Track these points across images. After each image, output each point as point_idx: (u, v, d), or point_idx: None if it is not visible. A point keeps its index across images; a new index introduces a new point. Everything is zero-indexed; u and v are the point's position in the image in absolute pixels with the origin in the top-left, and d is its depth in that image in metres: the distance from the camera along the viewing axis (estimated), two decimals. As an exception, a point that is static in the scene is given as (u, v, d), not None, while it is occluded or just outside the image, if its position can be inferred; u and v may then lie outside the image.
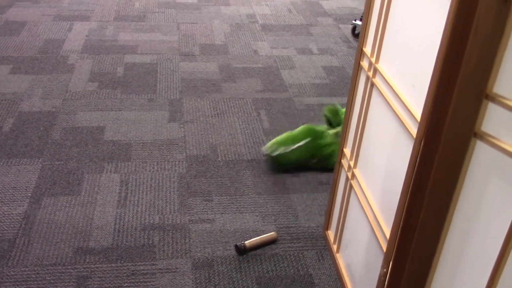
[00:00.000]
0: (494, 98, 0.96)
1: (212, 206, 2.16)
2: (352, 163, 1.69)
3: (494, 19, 0.90)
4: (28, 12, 3.95)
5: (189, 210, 2.12)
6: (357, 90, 1.65)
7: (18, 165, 2.32)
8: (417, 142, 1.14)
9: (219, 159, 2.44)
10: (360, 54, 1.59)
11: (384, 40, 1.43)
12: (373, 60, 1.50)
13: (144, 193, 2.20)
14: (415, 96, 1.23)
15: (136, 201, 2.15)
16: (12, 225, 2.00)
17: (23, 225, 2.00)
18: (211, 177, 2.32)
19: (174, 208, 2.13)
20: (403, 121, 1.28)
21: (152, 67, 3.24)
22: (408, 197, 1.19)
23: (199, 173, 2.34)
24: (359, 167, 1.65)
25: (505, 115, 0.95)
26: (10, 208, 2.07)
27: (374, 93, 1.51)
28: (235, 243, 1.97)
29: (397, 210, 1.26)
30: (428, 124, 1.08)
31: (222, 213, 2.13)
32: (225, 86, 3.08)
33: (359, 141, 1.63)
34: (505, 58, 0.94)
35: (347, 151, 1.75)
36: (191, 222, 2.07)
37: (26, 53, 3.32)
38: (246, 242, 1.96)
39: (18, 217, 2.03)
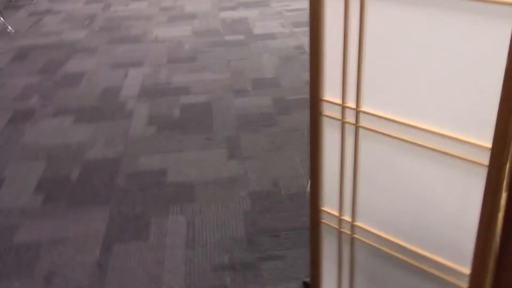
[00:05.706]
0: None
1: (280, 242, 2.13)
2: (348, 218, 1.50)
3: None
4: (85, 62, 4.11)
5: (257, 248, 2.10)
6: (322, 141, 1.43)
7: (87, 213, 2.38)
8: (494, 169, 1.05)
9: (282, 193, 2.42)
10: (318, 104, 1.36)
11: (363, 82, 1.25)
12: (352, 105, 1.30)
13: (211, 233, 2.20)
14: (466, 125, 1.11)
15: (204, 242, 2.15)
16: (86, 274, 2.03)
17: (97, 274, 2.03)
18: (276, 212, 2.30)
19: (242, 246, 2.12)
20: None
21: (206, 106, 3.28)
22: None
23: (264, 209, 2.33)
24: (362, 219, 1.46)
25: None
26: (83, 257, 2.12)
27: (369, 138, 1.31)
28: (303, 280, 1.92)
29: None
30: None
31: (291, 248, 2.09)
32: (280, 119, 3.08)
33: (353, 194, 1.44)
34: None
35: (329, 208, 1.58)
36: (260, 259, 2.04)
37: (86, 102, 3.45)
38: (318, 277, 1.91)
39: (91, 266, 2.07)
